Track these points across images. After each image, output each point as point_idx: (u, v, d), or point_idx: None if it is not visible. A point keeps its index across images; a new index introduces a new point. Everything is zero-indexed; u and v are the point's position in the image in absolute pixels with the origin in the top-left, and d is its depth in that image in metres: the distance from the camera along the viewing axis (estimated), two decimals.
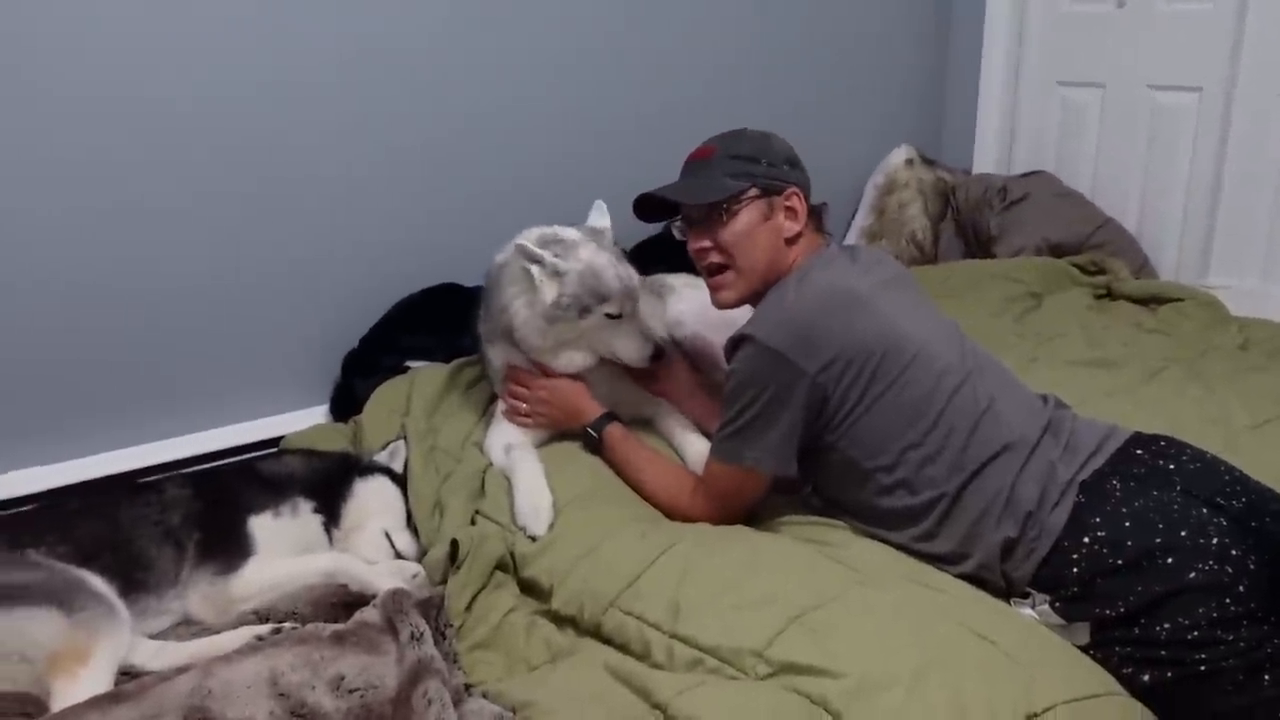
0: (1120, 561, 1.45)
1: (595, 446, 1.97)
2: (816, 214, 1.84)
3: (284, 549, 1.81)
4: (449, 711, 1.38)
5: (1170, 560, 1.42)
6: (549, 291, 1.90)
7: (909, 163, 3.39)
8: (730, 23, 3.03)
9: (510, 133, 2.66)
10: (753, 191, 1.76)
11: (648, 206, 1.86)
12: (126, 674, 1.52)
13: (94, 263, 2.16)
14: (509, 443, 2.00)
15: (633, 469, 1.90)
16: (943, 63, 3.62)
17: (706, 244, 1.80)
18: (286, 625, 1.66)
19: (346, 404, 2.41)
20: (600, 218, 2.06)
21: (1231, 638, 1.37)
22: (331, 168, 2.42)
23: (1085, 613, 1.46)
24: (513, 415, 2.05)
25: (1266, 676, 1.36)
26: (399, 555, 1.89)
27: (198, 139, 2.22)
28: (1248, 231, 3.04)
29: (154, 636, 1.66)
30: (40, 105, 2.05)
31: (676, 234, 1.86)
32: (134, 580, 1.67)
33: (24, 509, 1.90)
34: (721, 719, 1.31)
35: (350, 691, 1.41)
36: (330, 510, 1.91)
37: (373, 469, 2.01)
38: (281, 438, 2.36)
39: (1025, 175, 3.38)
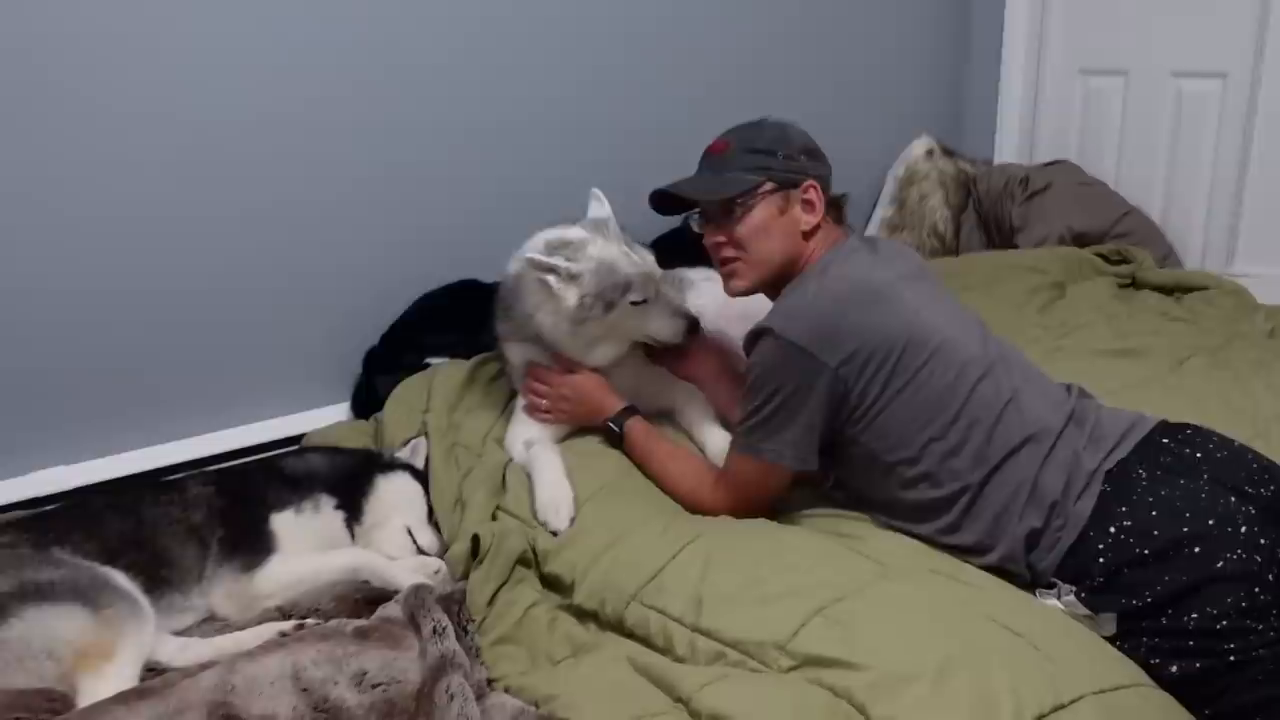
0: (1147, 551, 1.44)
1: (616, 441, 1.96)
2: (836, 205, 1.83)
3: (306, 546, 1.81)
4: (471, 706, 1.38)
5: (1198, 549, 1.40)
6: (570, 296, 1.90)
7: (929, 154, 3.37)
8: (749, 15, 3.02)
9: (528, 129, 2.66)
10: (768, 185, 1.76)
11: (665, 200, 1.86)
12: (152, 670, 1.53)
13: (119, 265, 2.17)
14: (529, 438, 2.00)
15: (654, 462, 1.90)
16: (963, 52, 3.59)
17: (721, 239, 1.80)
18: (309, 621, 1.66)
19: (368, 401, 2.41)
20: (600, 208, 2.04)
21: (1261, 627, 1.36)
22: (351, 169, 2.42)
23: (1112, 603, 1.44)
24: (533, 411, 2.05)
25: None
26: (421, 551, 1.89)
27: (223, 145, 2.23)
28: (1274, 218, 3.01)
29: (178, 633, 1.68)
30: (100, 119, 2.09)
31: (694, 227, 1.86)
32: (158, 577, 1.68)
33: (49, 508, 1.91)
34: (745, 712, 1.31)
35: (373, 686, 1.42)
36: (352, 507, 1.92)
37: (394, 465, 2.02)
38: (303, 435, 2.37)
39: (1047, 165, 3.35)
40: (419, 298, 2.52)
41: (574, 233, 1.97)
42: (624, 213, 2.06)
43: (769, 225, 1.76)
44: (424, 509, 1.97)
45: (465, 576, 1.75)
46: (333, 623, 1.58)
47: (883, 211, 3.38)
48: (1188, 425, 1.63)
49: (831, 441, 1.70)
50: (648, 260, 1.97)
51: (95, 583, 1.55)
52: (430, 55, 2.48)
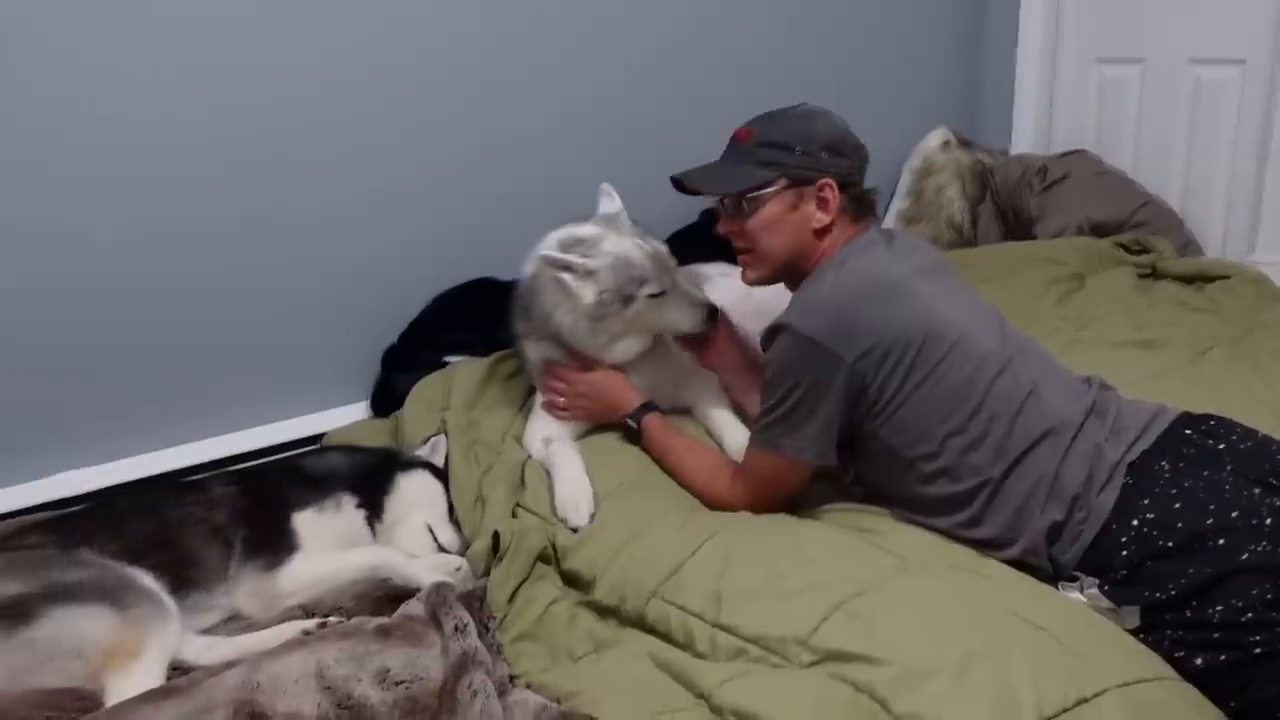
0: (1170, 544, 1.43)
1: (634, 437, 1.97)
2: (860, 200, 1.81)
3: (328, 544, 1.82)
4: (493, 702, 1.38)
5: (1222, 541, 1.40)
6: (587, 293, 1.91)
7: (945, 145, 3.35)
8: (764, 7, 3.02)
9: (542, 128, 2.66)
10: (781, 182, 1.75)
11: (684, 185, 1.85)
12: (177, 669, 1.54)
13: (140, 266, 2.19)
14: (548, 435, 2.00)
15: (672, 458, 1.90)
16: (978, 42, 3.57)
17: (734, 229, 1.80)
18: (332, 619, 1.67)
19: (387, 400, 2.42)
20: (610, 202, 2.05)
21: None
22: (368, 170, 2.43)
23: (1135, 596, 1.44)
24: (551, 409, 2.05)
25: None
26: (442, 549, 1.89)
27: (241, 147, 2.25)
28: None
29: (203, 632, 1.69)
30: (115, 126, 2.11)
31: (717, 210, 1.86)
32: (183, 577, 1.69)
33: (74, 510, 1.93)
34: (767, 708, 1.30)
35: (396, 684, 1.43)
36: (373, 505, 1.93)
37: (414, 464, 2.02)
38: (323, 434, 2.38)
39: (1065, 155, 3.32)
40: (436, 296, 2.53)
41: (587, 229, 1.97)
42: (636, 209, 2.06)
43: (779, 222, 1.75)
44: (444, 506, 1.97)
45: (486, 574, 1.75)
46: (355, 621, 1.59)
47: (899, 204, 3.37)
48: (1210, 416, 1.62)
49: (850, 436, 1.70)
50: (662, 252, 1.97)
51: (121, 583, 1.57)
52: (446, 56, 2.49)
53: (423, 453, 2.08)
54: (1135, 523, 1.47)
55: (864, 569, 1.53)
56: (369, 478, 1.96)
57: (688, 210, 2.72)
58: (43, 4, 1.99)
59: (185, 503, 1.81)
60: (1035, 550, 1.56)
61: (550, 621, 1.67)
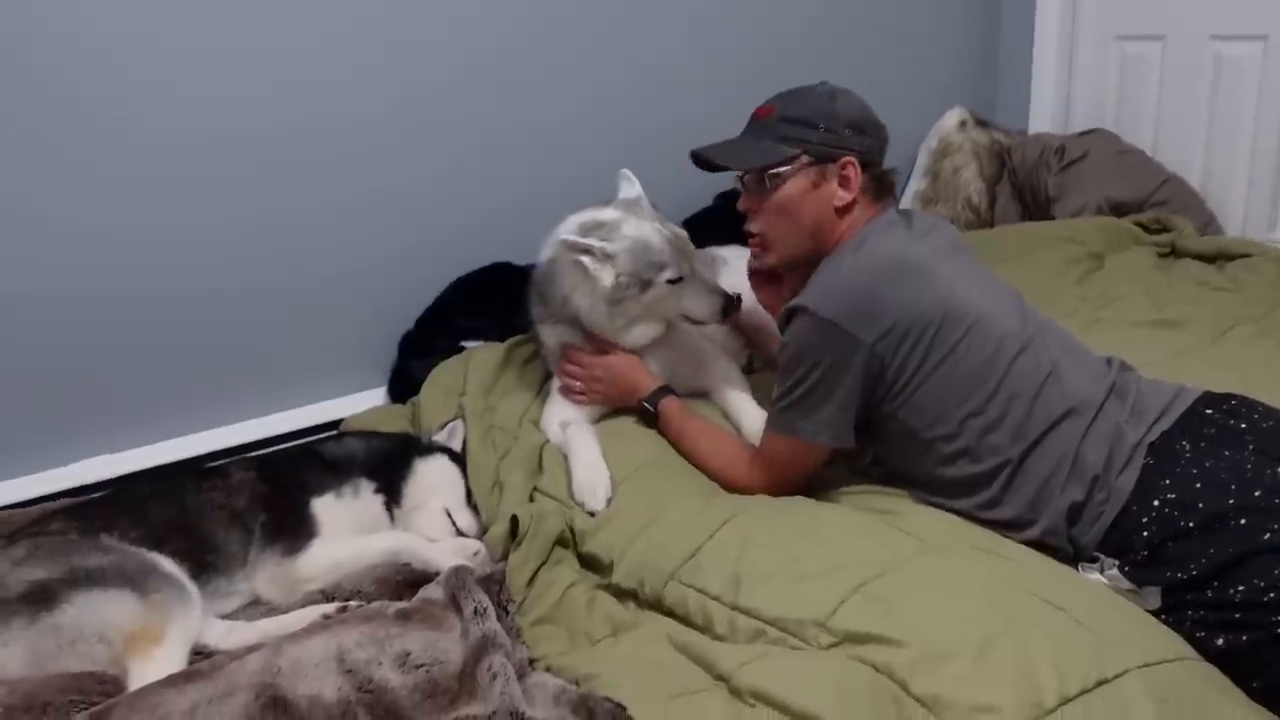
0: (1192, 524, 1.42)
1: (651, 420, 1.96)
2: (881, 180, 1.79)
3: (347, 529, 1.83)
4: (513, 685, 1.39)
5: (1244, 521, 1.38)
6: (606, 276, 1.90)
7: (962, 125, 3.32)
8: None
9: (559, 117, 2.66)
10: (803, 159, 1.74)
11: (706, 160, 1.83)
12: (199, 653, 1.55)
13: (159, 259, 2.20)
14: (565, 419, 2.01)
15: (689, 441, 1.89)
16: (995, 20, 3.54)
17: (754, 205, 1.79)
18: (352, 604, 1.68)
19: (404, 386, 2.43)
20: (630, 187, 2.04)
21: None
22: (386, 156, 2.44)
23: (1156, 577, 1.43)
24: (568, 393, 2.06)
25: None
26: (460, 533, 1.90)
27: (260, 142, 2.26)
28: None
29: (224, 617, 1.70)
30: (140, 125, 2.13)
31: (738, 186, 1.84)
32: (204, 562, 1.70)
33: (96, 496, 1.94)
34: (785, 689, 1.30)
35: (416, 667, 1.43)
36: (391, 490, 1.94)
37: (432, 449, 2.03)
38: (341, 420, 2.39)
39: (1083, 133, 3.29)
40: (452, 282, 2.53)
41: (607, 213, 1.97)
42: (653, 195, 2.05)
43: (801, 199, 1.74)
44: (462, 491, 1.98)
45: (504, 558, 1.76)
46: (375, 605, 1.60)
47: (916, 184, 3.34)
48: (1232, 396, 1.61)
49: (869, 418, 1.69)
50: (681, 237, 1.97)
51: (143, 568, 1.58)
52: (463, 55, 2.49)
53: (440, 438, 2.08)
54: (1156, 503, 1.46)
55: (883, 550, 1.52)
56: (387, 463, 1.97)
57: (704, 194, 2.71)
58: (42, 8, 1.99)
59: (205, 489, 1.82)
60: (1055, 531, 1.55)
61: (569, 605, 1.68)
